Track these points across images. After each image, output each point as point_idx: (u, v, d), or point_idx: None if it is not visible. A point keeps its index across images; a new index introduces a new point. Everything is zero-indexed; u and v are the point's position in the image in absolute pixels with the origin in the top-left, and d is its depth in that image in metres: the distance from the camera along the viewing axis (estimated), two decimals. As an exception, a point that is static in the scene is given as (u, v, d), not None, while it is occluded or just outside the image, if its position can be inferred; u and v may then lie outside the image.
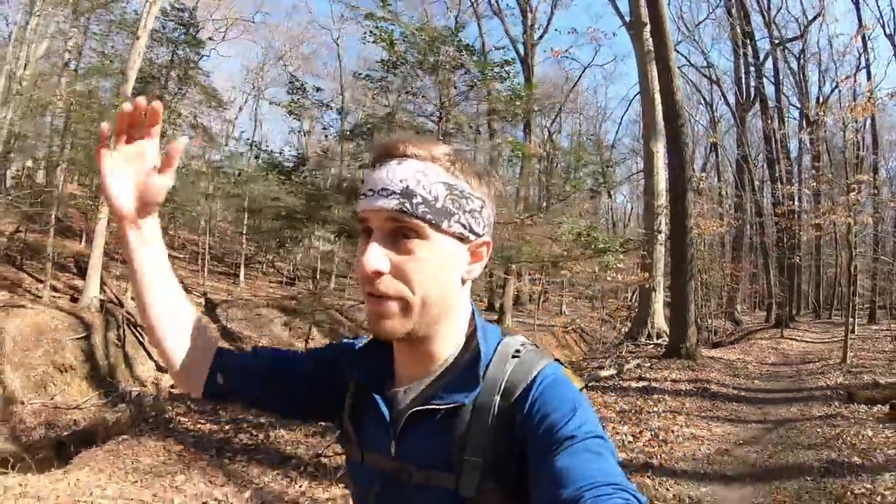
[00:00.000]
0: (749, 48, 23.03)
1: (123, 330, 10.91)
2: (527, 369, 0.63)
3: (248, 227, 17.47)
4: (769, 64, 23.55)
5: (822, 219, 11.43)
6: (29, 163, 14.55)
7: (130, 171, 0.70)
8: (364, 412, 0.72)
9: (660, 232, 10.23)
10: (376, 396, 0.70)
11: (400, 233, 0.62)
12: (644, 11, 11.02)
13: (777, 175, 18.32)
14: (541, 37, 19.04)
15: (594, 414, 0.60)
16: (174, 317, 0.75)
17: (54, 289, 11.22)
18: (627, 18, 12.53)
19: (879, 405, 5.62)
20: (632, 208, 31.15)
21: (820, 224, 12.87)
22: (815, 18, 23.64)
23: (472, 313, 0.70)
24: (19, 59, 10.77)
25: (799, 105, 24.35)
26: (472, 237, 0.65)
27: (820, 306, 23.56)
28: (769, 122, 19.25)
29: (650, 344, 9.73)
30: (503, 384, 0.63)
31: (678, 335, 8.73)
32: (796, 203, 17.43)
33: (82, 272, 11.58)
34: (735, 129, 22.17)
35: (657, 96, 10.36)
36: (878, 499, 3.34)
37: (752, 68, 23.18)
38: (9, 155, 11.92)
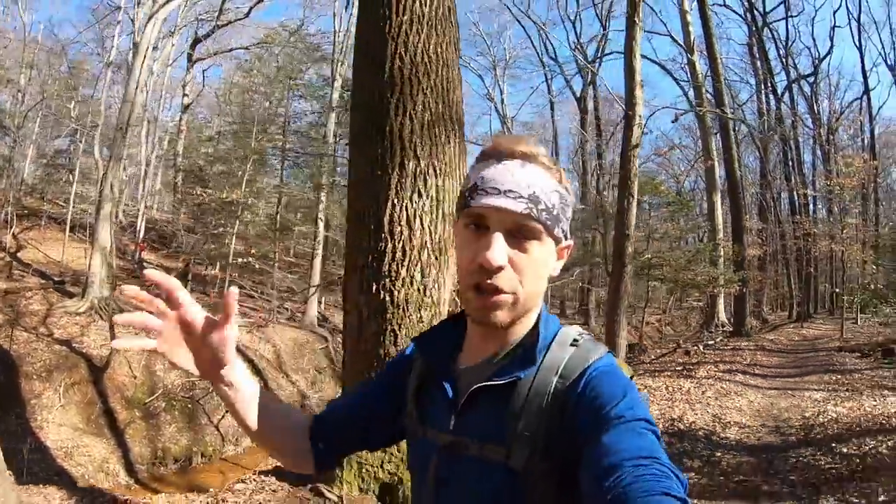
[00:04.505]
0: (770, 84, 29.60)
1: (337, 339, 16.37)
2: (584, 356, 0.75)
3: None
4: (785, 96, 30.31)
5: (829, 245, 18.09)
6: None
7: (189, 339, 0.78)
8: (427, 390, 0.86)
9: (720, 256, 16.67)
10: (441, 375, 0.83)
11: (521, 233, 0.74)
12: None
13: (796, 202, 25.20)
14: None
15: (642, 401, 0.71)
16: (271, 428, 0.91)
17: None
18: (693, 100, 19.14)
19: (857, 353, 12.05)
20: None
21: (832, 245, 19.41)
22: (825, 56, 30.42)
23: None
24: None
25: (813, 128, 31.06)
26: (564, 241, 0.80)
27: (835, 305, 30.06)
28: (789, 169, 25.86)
29: (719, 330, 16.24)
30: (561, 368, 0.74)
31: (739, 322, 15.42)
32: (811, 223, 23.81)
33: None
34: (759, 160, 28.77)
35: (716, 166, 16.97)
36: (847, 377, 9.72)
37: (772, 102, 29.75)
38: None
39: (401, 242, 3.27)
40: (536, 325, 0.80)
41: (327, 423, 0.95)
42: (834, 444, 4.68)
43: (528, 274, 0.75)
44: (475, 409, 0.77)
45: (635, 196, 7.13)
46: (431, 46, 3.62)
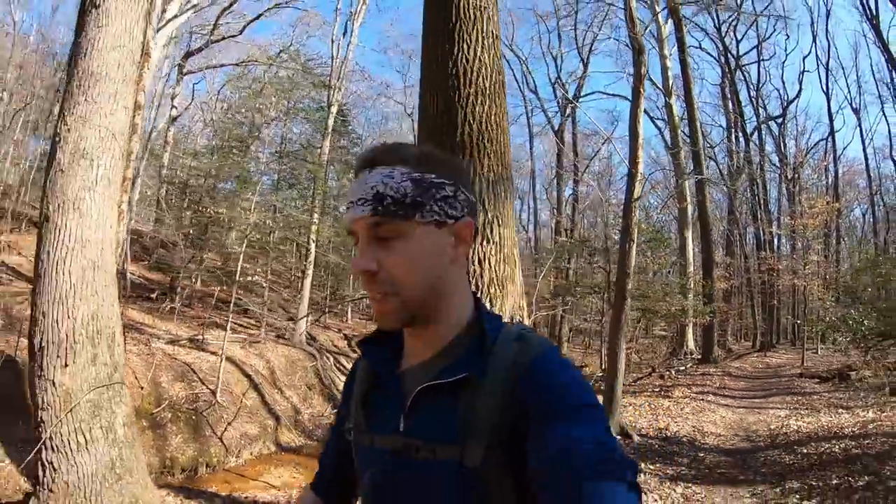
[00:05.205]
0: (739, 125, 31.55)
1: (324, 357, 16.92)
2: (530, 350, 0.76)
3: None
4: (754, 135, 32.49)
5: (792, 280, 19.79)
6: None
7: None
8: (374, 397, 0.87)
9: (690, 289, 18.04)
10: (386, 377, 0.85)
11: (380, 234, 0.76)
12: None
13: (761, 238, 27.14)
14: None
15: (589, 388, 0.74)
16: None
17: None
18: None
19: (816, 378, 13.42)
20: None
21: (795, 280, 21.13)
22: (794, 99, 32.69)
23: (476, 298, 0.85)
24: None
25: (779, 166, 33.18)
26: (449, 221, 0.79)
27: (796, 336, 31.73)
28: (756, 206, 27.80)
29: (688, 358, 17.57)
30: (509, 363, 0.75)
31: (707, 350, 16.81)
32: (775, 259, 25.65)
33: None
34: (727, 197, 30.72)
35: (689, 207, 18.55)
36: (807, 398, 11.00)
37: (741, 142, 31.68)
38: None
39: (474, 279, 4.20)
40: (480, 321, 0.82)
41: (323, 482, 1.03)
42: (796, 447, 5.80)
43: (404, 270, 0.76)
44: (422, 409, 0.78)
45: (635, 241, 8.39)
46: (493, 117, 4.62)
